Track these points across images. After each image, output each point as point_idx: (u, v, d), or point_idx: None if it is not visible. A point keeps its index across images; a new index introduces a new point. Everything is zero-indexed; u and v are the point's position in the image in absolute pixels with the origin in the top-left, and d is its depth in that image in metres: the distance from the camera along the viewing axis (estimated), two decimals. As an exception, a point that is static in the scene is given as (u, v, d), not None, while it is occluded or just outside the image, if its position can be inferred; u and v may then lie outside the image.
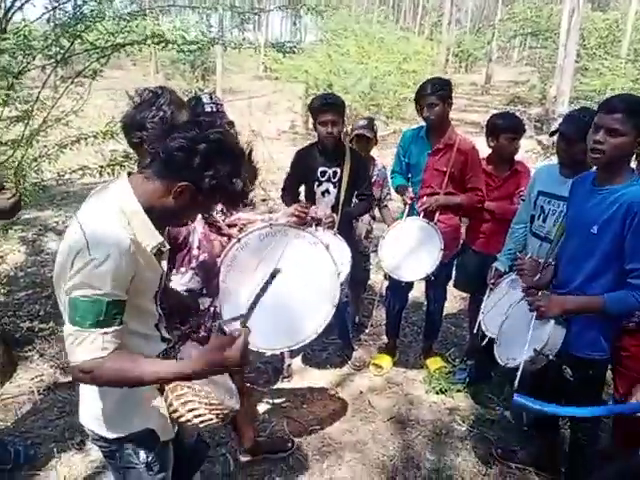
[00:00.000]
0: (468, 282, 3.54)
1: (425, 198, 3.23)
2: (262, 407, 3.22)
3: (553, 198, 2.67)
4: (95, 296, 1.30)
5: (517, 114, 3.61)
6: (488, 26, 30.37)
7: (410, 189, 3.32)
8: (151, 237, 1.44)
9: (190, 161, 1.36)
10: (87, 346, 1.31)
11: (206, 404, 1.50)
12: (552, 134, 2.73)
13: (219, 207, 2.52)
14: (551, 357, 2.20)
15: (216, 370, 1.40)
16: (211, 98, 2.66)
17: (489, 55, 26.14)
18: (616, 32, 17.40)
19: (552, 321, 2.21)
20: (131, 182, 1.43)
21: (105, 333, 1.33)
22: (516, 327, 2.47)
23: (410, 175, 3.42)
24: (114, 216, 1.37)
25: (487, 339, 2.67)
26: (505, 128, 3.17)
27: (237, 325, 1.54)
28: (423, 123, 3.29)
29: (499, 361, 2.44)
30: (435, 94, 3.09)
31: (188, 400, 1.50)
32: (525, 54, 31.53)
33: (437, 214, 3.23)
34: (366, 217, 3.85)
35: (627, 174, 2.10)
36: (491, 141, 3.25)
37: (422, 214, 3.22)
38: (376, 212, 4.02)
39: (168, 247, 1.54)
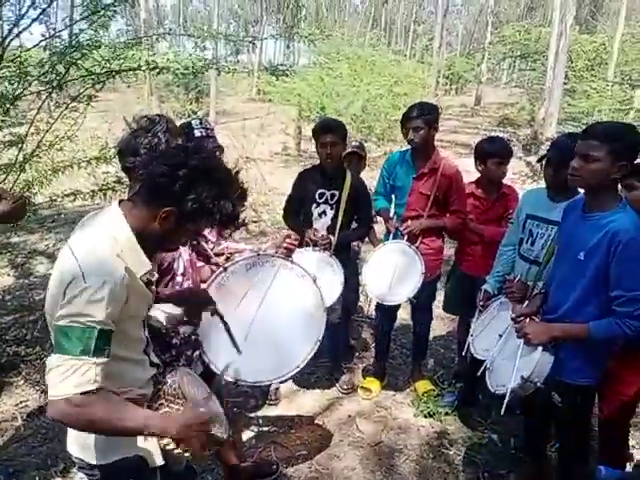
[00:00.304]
0: (457, 304, 3.57)
1: (410, 222, 3.27)
2: (249, 432, 3.20)
3: (541, 222, 2.71)
4: (88, 323, 1.29)
5: (505, 137, 3.70)
6: (478, 49, 30.93)
7: (394, 219, 3.36)
8: (141, 265, 1.46)
9: (172, 186, 1.38)
10: (78, 377, 1.27)
11: None
12: (540, 160, 2.79)
13: (211, 232, 2.57)
14: (539, 384, 2.22)
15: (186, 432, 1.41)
16: (201, 123, 2.71)
17: (479, 77, 26.56)
18: (603, 54, 17.73)
19: (540, 348, 2.24)
20: (122, 209, 1.46)
21: (96, 364, 1.30)
22: (506, 354, 2.49)
23: (395, 197, 3.47)
24: (108, 243, 1.39)
25: (483, 368, 2.61)
26: (492, 153, 3.23)
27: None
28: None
29: (490, 388, 2.45)
30: (420, 118, 3.14)
31: None
32: (514, 76, 32.08)
33: (420, 237, 3.29)
34: None
35: (614, 201, 2.11)
36: (479, 165, 3.31)
37: (406, 237, 3.27)
38: None
39: (157, 276, 1.56)
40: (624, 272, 2.03)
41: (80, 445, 1.57)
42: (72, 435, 1.59)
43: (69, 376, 1.27)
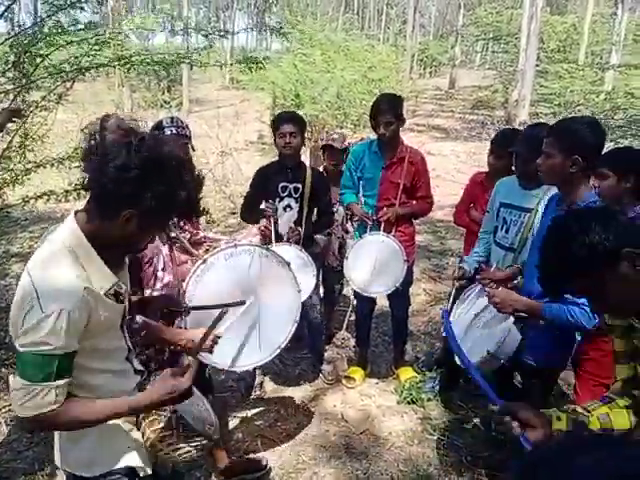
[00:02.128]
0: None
1: (385, 209, 3.35)
2: (235, 426, 3.23)
3: (514, 209, 2.77)
4: (48, 352, 1.29)
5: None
6: (451, 31, 30.98)
7: (369, 213, 3.40)
8: (105, 279, 1.42)
9: (125, 189, 1.32)
10: (39, 401, 1.31)
11: (185, 437, 1.52)
12: (511, 152, 2.83)
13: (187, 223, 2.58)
14: (502, 361, 2.28)
15: (167, 399, 1.41)
16: (172, 120, 2.69)
17: (453, 60, 26.64)
18: (574, 35, 17.93)
19: (507, 324, 2.30)
20: (78, 221, 1.40)
21: (57, 387, 1.32)
22: (476, 331, 2.56)
23: (363, 189, 3.51)
24: (66, 263, 1.34)
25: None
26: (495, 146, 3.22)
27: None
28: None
29: (456, 360, 2.52)
30: (391, 112, 3.21)
31: (166, 434, 1.51)
32: (488, 58, 32.23)
33: (395, 225, 3.37)
34: (339, 231, 3.93)
35: (585, 193, 2.15)
36: (489, 157, 3.29)
37: (382, 226, 3.33)
38: (349, 226, 4.09)
39: (125, 287, 1.53)
40: None
41: (68, 458, 1.57)
42: (58, 449, 1.59)
43: (29, 400, 1.31)
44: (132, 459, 1.57)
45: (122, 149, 1.34)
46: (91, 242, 1.39)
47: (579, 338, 2.50)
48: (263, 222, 3.10)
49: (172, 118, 2.72)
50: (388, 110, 3.20)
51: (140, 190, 1.33)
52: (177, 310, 1.94)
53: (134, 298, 1.80)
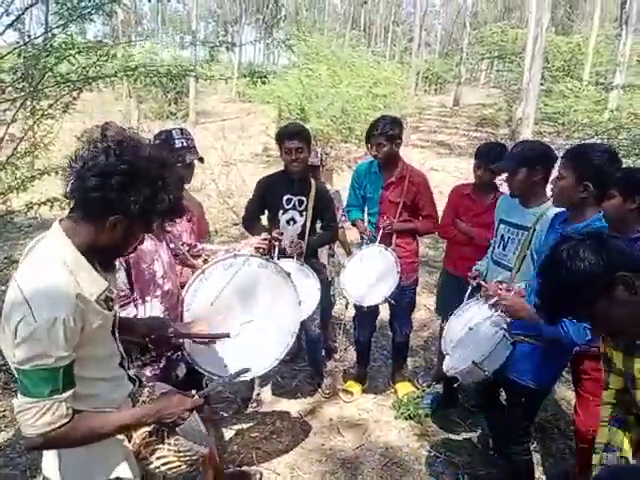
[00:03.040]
0: (447, 306, 3.60)
1: (385, 217, 3.39)
2: (231, 438, 3.21)
3: (512, 226, 2.78)
4: (50, 364, 1.27)
5: (484, 138, 3.75)
6: (456, 49, 31.22)
7: (368, 229, 3.47)
8: (96, 285, 1.41)
9: (109, 196, 1.33)
10: (51, 416, 1.29)
11: (175, 452, 1.51)
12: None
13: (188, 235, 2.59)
14: (488, 374, 2.28)
15: (167, 417, 1.45)
16: (182, 132, 2.68)
17: (458, 78, 26.82)
18: (579, 55, 18.03)
19: (498, 339, 2.30)
20: (64, 229, 1.39)
21: (66, 399, 1.31)
22: (466, 342, 2.55)
23: (367, 207, 3.57)
24: (56, 270, 1.33)
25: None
26: (481, 160, 3.26)
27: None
28: None
29: (444, 368, 2.52)
30: (383, 135, 3.24)
31: (156, 448, 1.51)
32: (492, 76, 32.45)
33: (394, 238, 3.39)
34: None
35: (591, 214, 2.18)
36: (476, 169, 3.32)
37: (379, 238, 3.35)
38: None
39: (115, 292, 1.53)
40: None
41: (57, 470, 1.53)
42: (46, 460, 1.55)
43: (41, 417, 1.28)
44: (122, 470, 1.55)
45: (101, 155, 1.34)
46: (79, 249, 1.38)
47: (574, 352, 2.49)
48: (263, 235, 2.94)
49: (181, 130, 2.70)
50: (380, 133, 3.23)
51: (123, 195, 1.33)
52: (164, 335, 1.87)
53: (123, 315, 1.80)
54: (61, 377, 1.29)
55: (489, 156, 3.20)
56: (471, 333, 2.55)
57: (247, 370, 1.91)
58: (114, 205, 1.34)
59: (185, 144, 2.62)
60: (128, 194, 1.34)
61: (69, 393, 1.32)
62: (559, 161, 2.29)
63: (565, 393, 3.66)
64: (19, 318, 1.26)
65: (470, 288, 2.92)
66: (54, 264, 1.34)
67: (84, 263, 1.39)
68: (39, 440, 1.31)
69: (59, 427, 1.30)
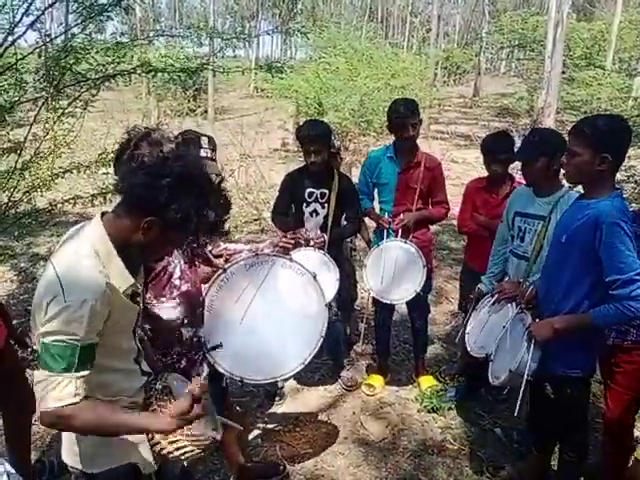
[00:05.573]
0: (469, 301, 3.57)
1: (402, 215, 3.35)
2: (254, 431, 3.23)
3: (529, 217, 2.76)
4: (70, 341, 1.32)
5: (504, 128, 3.70)
6: (475, 39, 30.81)
7: (386, 216, 3.42)
8: (124, 279, 1.45)
9: (153, 196, 1.35)
10: (59, 392, 1.32)
11: (187, 436, 1.51)
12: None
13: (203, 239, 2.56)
14: (528, 377, 2.24)
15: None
16: (209, 142, 2.62)
17: (477, 68, 26.46)
18: (601, 42, 17.64)
19: (525, 342, 2.27)
20: (104, 222, 1.44)
21: (78, 378, 1.34)
22: (502, 347, 2.52)
23: (378, 195, 3.54)
24: (89, 259, 1.38)
25: (484, 359, 2.64)
26: (491, 154, 3.21)
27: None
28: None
29: (490, 379, 2.49)
30: (412, 116, 3.23)
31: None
32: (513, 65, 31.94)
33: (412, 230, 3.37)
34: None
35: (607, 190, 2.13)
36: (489, 165, 3.26)
37: (400, 233, 3.32)
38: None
39: (141, 288, 1.57)
40: (613, 255, 2.04)
41: (73, 454, 1.58)
42: (64, 445, 1.61)
43: (50, 391, 1.32)
44: (135, 455, 1.59)
45: (159, 160, 1.40)
46: (113, 243, 1.42)
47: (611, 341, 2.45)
48: (289, 234, 2.79)
49: (209, 139, 2.56)
50: (409, 114, 3.21)
51: (167, 200, 1.35)
52: None
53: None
54: (77, 356, 1.33)
55: (498, 148, 3.18)
56: (506, 336, 2.51)
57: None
58: (154, 206, 1.37)
59: (209, 155, 2.56)
60: (172, 200, 1.36)
61: (82, 374, 1.35)
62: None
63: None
64: (51, 297, 1.32)
65: (471, 309, 2.94)
66: (88, 252, 1.39)
67: (115, 257, 1.43)
68: (46, 417, 1.35)
69: (66, 405, 1.32)
